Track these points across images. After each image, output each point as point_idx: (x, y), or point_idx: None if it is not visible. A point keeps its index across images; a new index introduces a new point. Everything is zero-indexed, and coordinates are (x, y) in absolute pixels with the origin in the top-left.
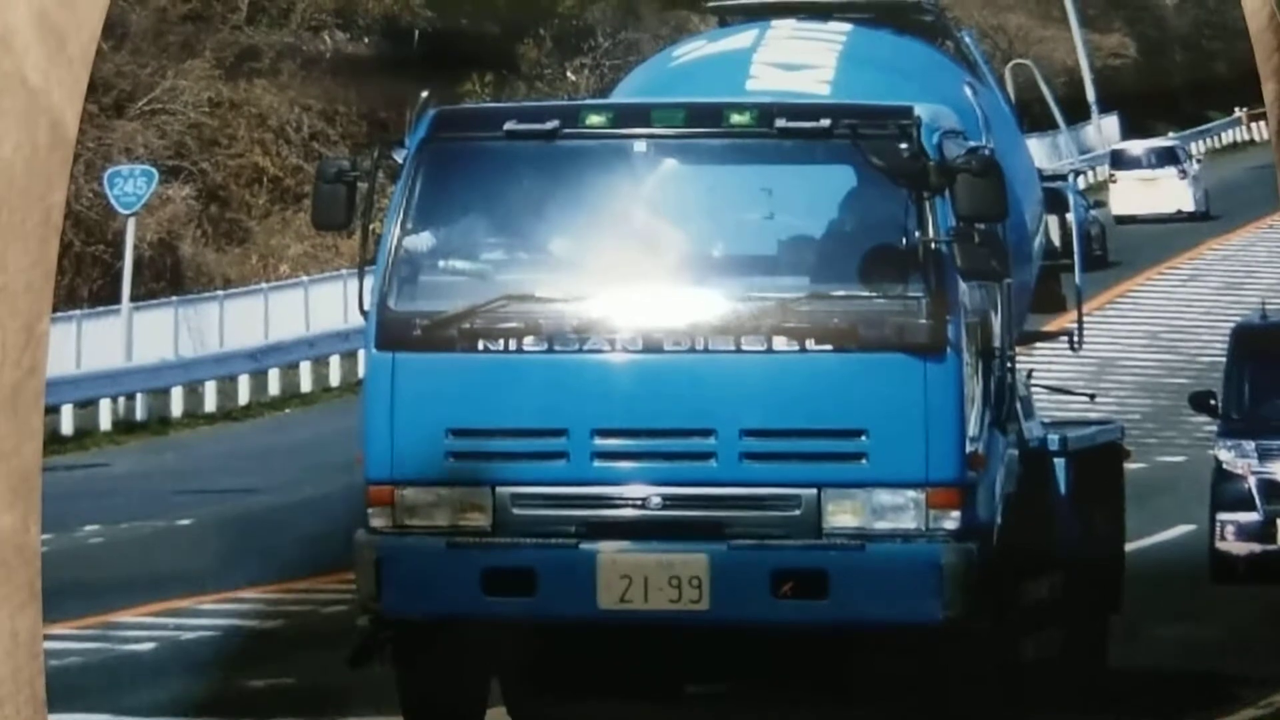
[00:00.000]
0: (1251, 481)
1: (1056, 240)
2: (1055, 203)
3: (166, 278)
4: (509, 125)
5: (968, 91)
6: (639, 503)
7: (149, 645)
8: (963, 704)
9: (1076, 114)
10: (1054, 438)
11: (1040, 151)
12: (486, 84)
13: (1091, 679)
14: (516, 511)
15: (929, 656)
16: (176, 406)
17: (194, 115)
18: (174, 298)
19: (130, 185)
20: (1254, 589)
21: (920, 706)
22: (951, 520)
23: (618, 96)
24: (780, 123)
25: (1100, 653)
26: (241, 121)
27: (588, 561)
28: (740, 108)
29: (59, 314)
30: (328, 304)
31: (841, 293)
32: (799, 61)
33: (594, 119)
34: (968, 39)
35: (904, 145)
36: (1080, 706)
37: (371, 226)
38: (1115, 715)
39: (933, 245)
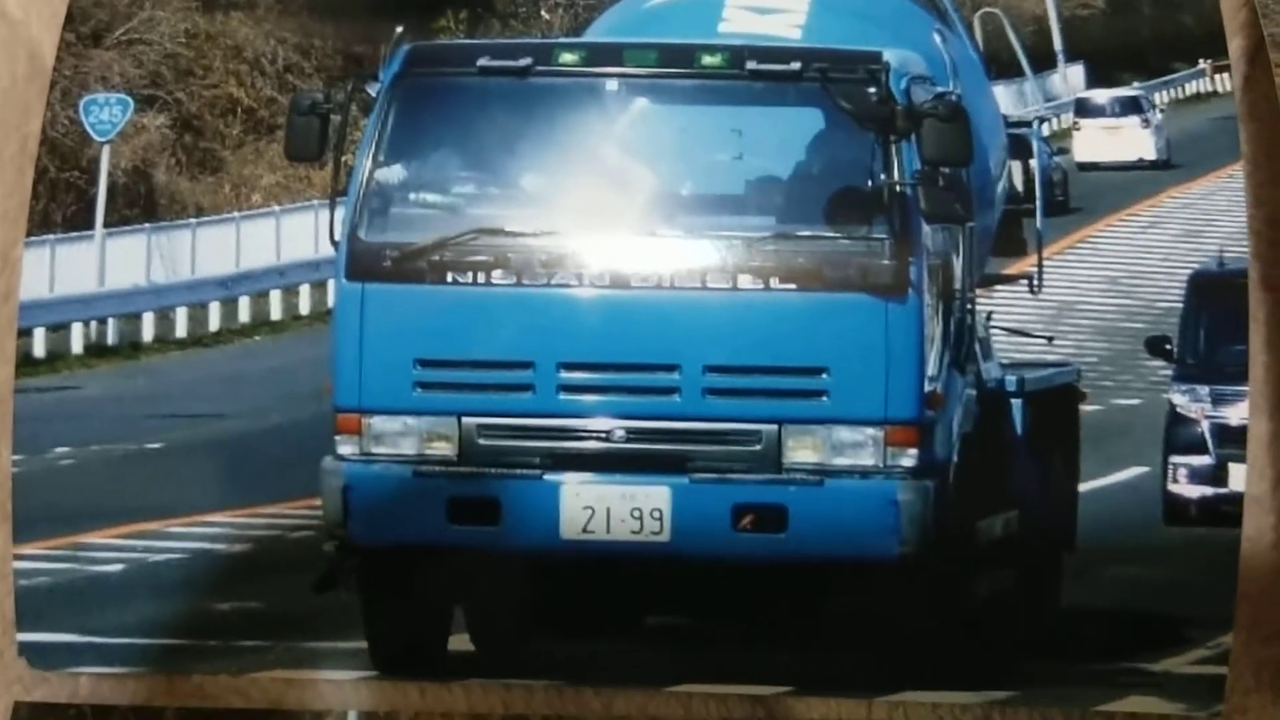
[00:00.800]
0: (1205, 425)
1: (1019, 185)
2: (1019, 149)
3: (140, 205)
4: (482, 62)
5: (936, 39)
6: (603, 435)
7: (117, 567)
8: (915, 640)
9: (1043, 62)
10: (1012, 379)
11: (1007, 98)
12: (461, 21)
13: (1043, 618)
14: (482, 442)
15: (884, 592)
16: (148, 331)
17: (170, 46)
18: (147, 224)
19: (106, 113)
20: (1205, 531)
21: (874, 641)
22: (909, 458)
23: (591, 36)
24: (751, 65)
25: (1053, 592)
26: (217, 53)
27: (551, 492)
28: (712, 49)
29: (32, 239)
30: (299, 234)
31: (807, 233)
32: (771, 6)
33: (567, 57)
34: None
35: (872, 90)
36: (1031, 644)
37: (344, 158)
38: (1065, 654)
39: (898, 188)
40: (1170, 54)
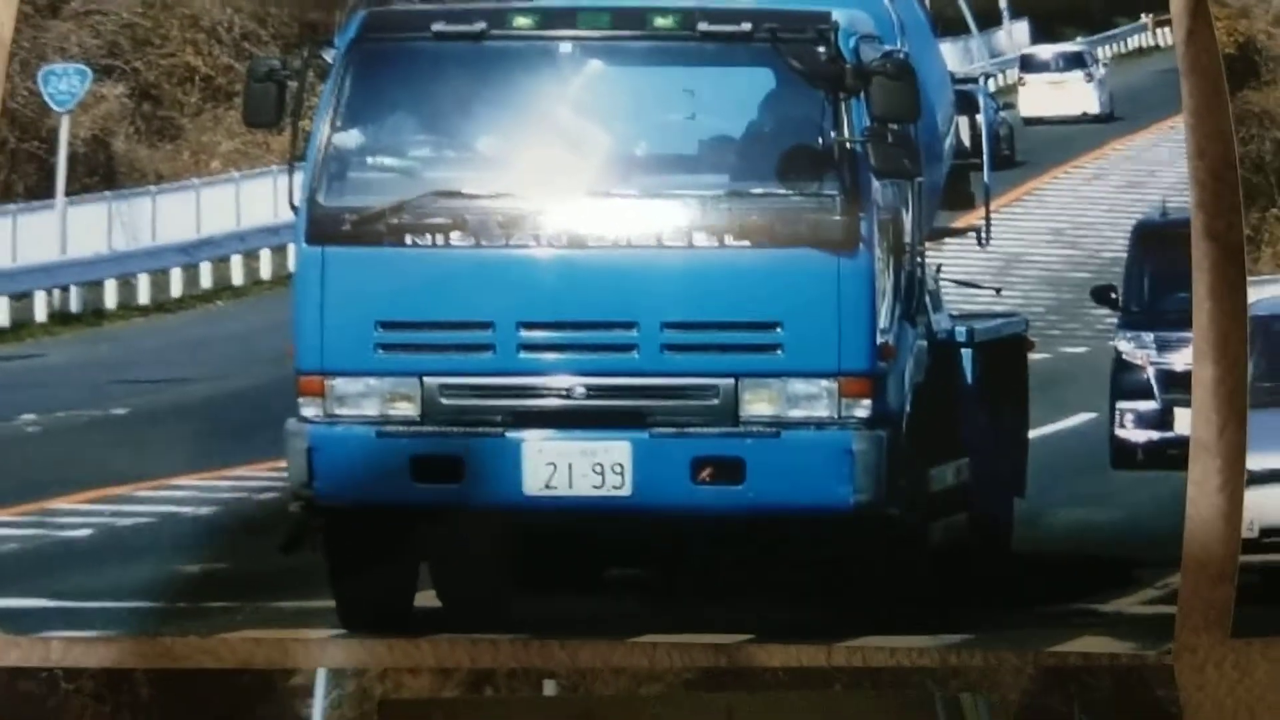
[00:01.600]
0: (1150, 371)
1: (967, 140)
2: (966, 104)
3: (100, 173)
4: (437, 26)
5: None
6: (563, 392)
7: (85, 532)
8: (872, 586)
9: (988, 20)
10: (961, 330)
11: (953, 55)
12: None
13: (995, 562)
14: (444, 401)
15: (840, 539)
16: (111, 298)
17: (127, 16)
18: (108, 193)
19: (64, 84)
20: (1152, 474)
21: (831, 588)
22: (863, 408)
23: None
24: (702, 26)
25: (1005, 536)
26: (174, 22)
27: (513, 449)
28: (663, 11)
29: None
30: (259, 199)
31: (759, 190)
32: None
33: (520, 21)
34: None
35: (821, 49)
36: (983, 588)
37: (301, 124)
38: (1018, 597)
39: (847, 145)
40: (1113, 9)
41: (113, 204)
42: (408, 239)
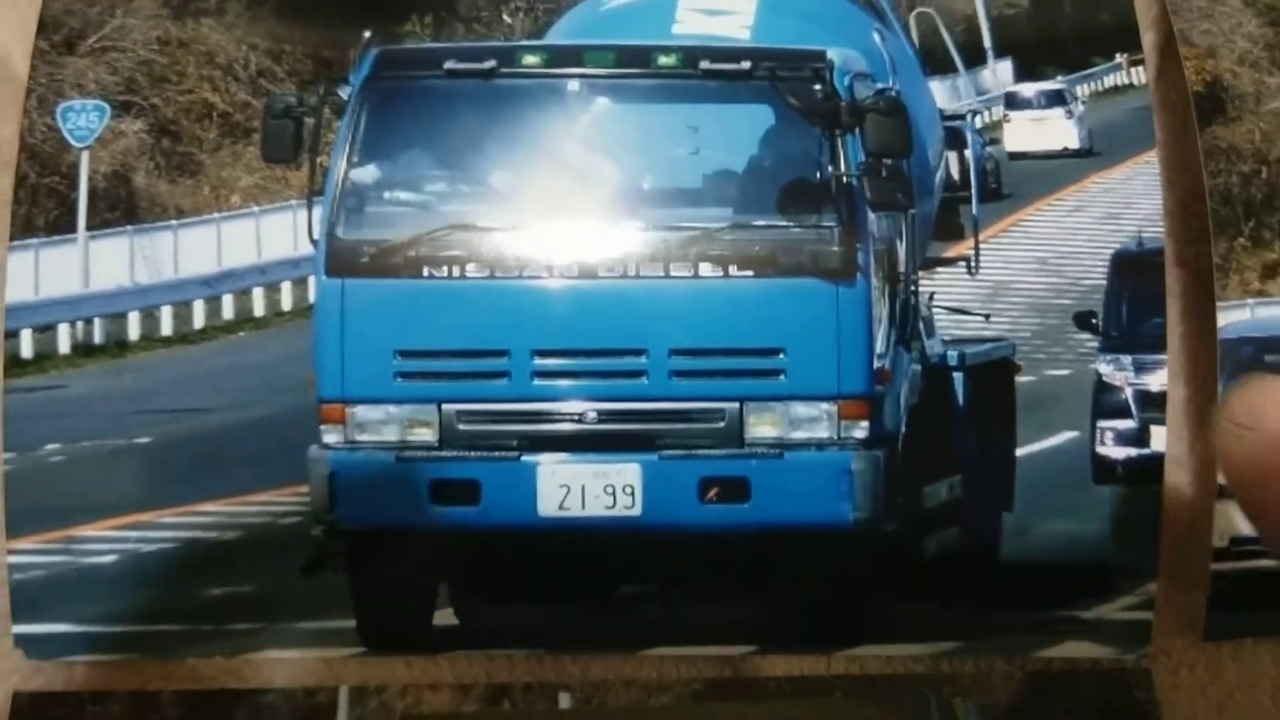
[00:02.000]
0: (1129, 392)
1: (956, 174)
2: (955, 140)
3: (121, 208)
4: (448, 64)
5: (876, 38)
6: (576, 417)
7: (110, 558)
8: (870, 597)
9: (974, 59)
10: (953, 354)
11: (941, 93)
12: (426, 25)
13: (985, 573)
14: (461, 427)
15: (840, 555)
16: (133, 330)
17: (143, 52)
18: (129, 227)
19: (83, 119)
20: (1130, 489)
21: (831, 600)
22: (861, 430)
23: (551, 38)
24: (704, 64)
25: (994, 548)
26: (190, 59)
27: (528, 472)
28: (667, 50)
29: (16, 243)
30: (279, 233)
31: (761, 223)
32: (721, 8)
33: (529, 59)
34: None
35: (818, 86)
36: (974, 597)
37: (319, 160)
38: (1006, 605)
39: (844, 179)
40: (1090, 49)
41: (134, 238)
42: (425, 271)
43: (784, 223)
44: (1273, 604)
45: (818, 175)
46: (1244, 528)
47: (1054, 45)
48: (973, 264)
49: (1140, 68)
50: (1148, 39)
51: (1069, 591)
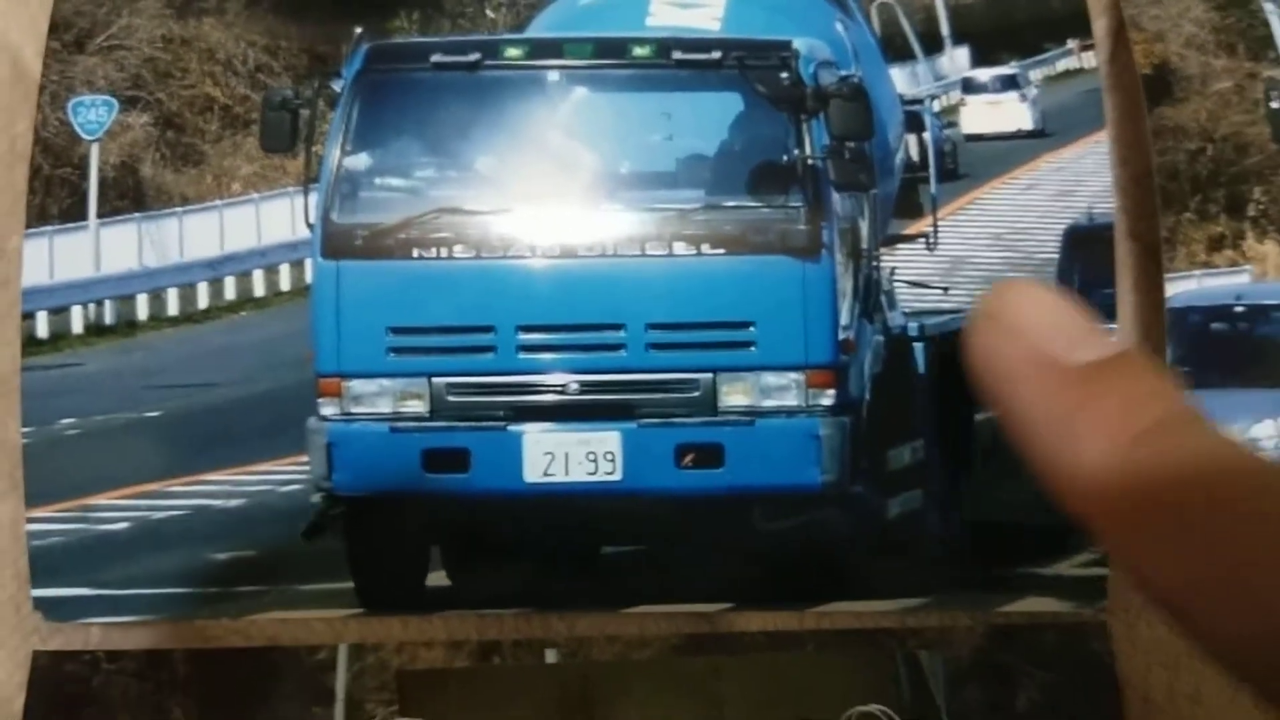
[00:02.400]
0: None
1: (915, 156)
2: (914, 123)
3: (130, 196)
4: (435, 58)
5: (839, 27)
6: (559, 389)
7: (123, 525)
8: (839, 556)
9: (932, 46)
10: (913, 325)
11: (901, 79)
12: (414, 20)
13: (948, 532)
14: (451, 399)
15: (810, 516)
16: (142, 311)
17: (149, 50)
18: (137, 214)
19: (93, 114)
20: None
21: (803, 559)
22: (828, 397)
23: (532, 32)
24: (677, 55)
25: (955, 509)
26: (192, 56)
27: (515, 441)
28: (641, 41)
29: (31, 231)
30: (277, 218)
31: (732, 203)
32: (692, 0)
33: (512, 52)
34: None
35: (784, 74)
36: (937, 555)
37: (314, 149)
38: (969, 563)
39: (810, 161)
40: (1043, 35)
41: (142, 225)
42: (415, 252)
43: (753, 203)
44: None
45: (784, 158)
46: None
47: (1009, 32)
48: (932, 240)
49: (1091, 52)
50: (1099, 24)
51: (1027, 548)
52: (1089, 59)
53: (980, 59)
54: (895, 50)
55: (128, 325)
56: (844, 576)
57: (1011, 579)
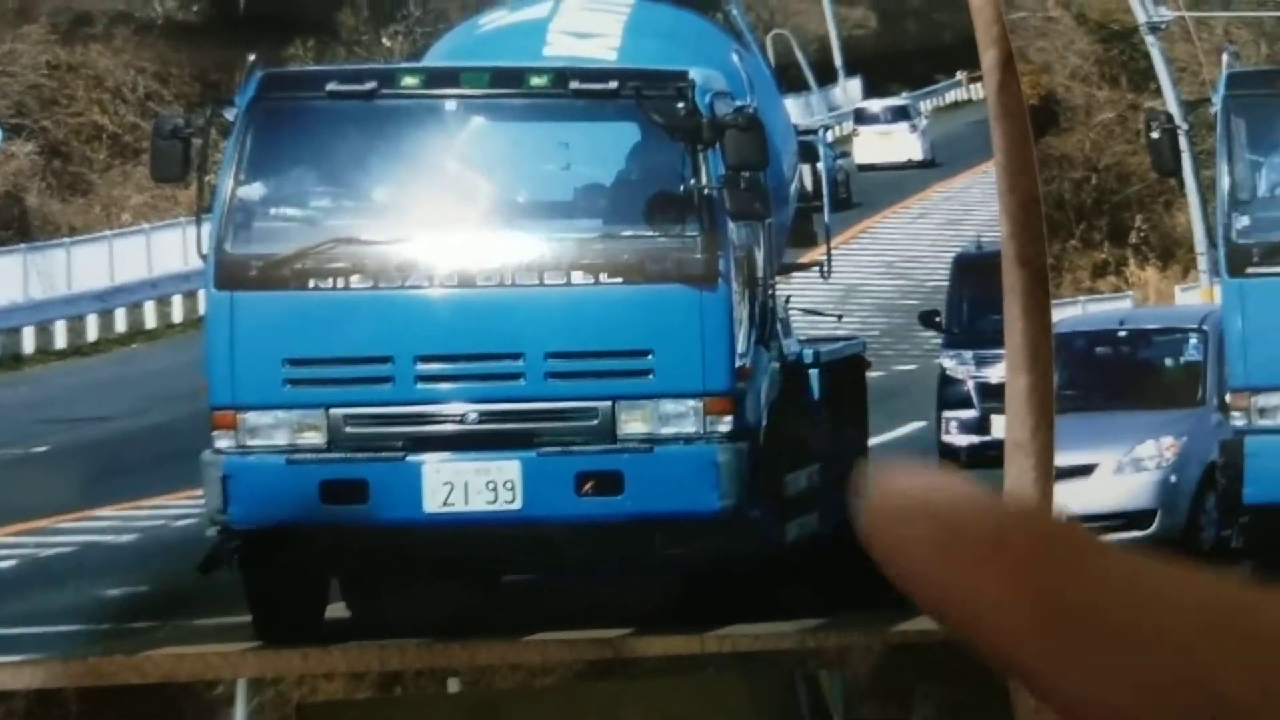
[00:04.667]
0: (970, 384)
1: (809, 185)
2: (808, 153)
3: (14, 227)
4: (330, 86)
5: (735, 58)
6: (458, 418)
7: (10, 563)
8: (738, 579)
9: (826, 77)
10: (808, 352)
11: (796, 109)
12: (309, 48)
13: (845, 554)
14: (349, 430)
15: (709, 540)
16: (29, 344)
17: (33, 77)
18: (22, 245)
19: None
20: (975, 472)
21: (703, 584)
22: (725, 424)
23: (429, 60)
24: (573, 84)
25: (852, 531)
26: (79, 82)
27: (414, 471)
28: (538, 71)
29: None
30: (169, 249)
31: (629, 233)
32: (589, 30)
33: (408, 80)
34: (735, 11)
35: (680, 104)
36: (833, 576)
37: (207, 178)
38: (866, 583)
39: (706, 191)
40: (933, 66)
41: (27, 255)
42: (311, 283)
43: (650, 233)
44: None
45: (681, 188)
46: (1081, 506)
47: (899, 63)
48: (825, 269)
49: (979, 84)
50: (988, 56)
51: None
52: (977, 90)
53: (873, 90)
54: (790, 81)
55: (13, 359)
56: (743, 599)
57: (908, 598)
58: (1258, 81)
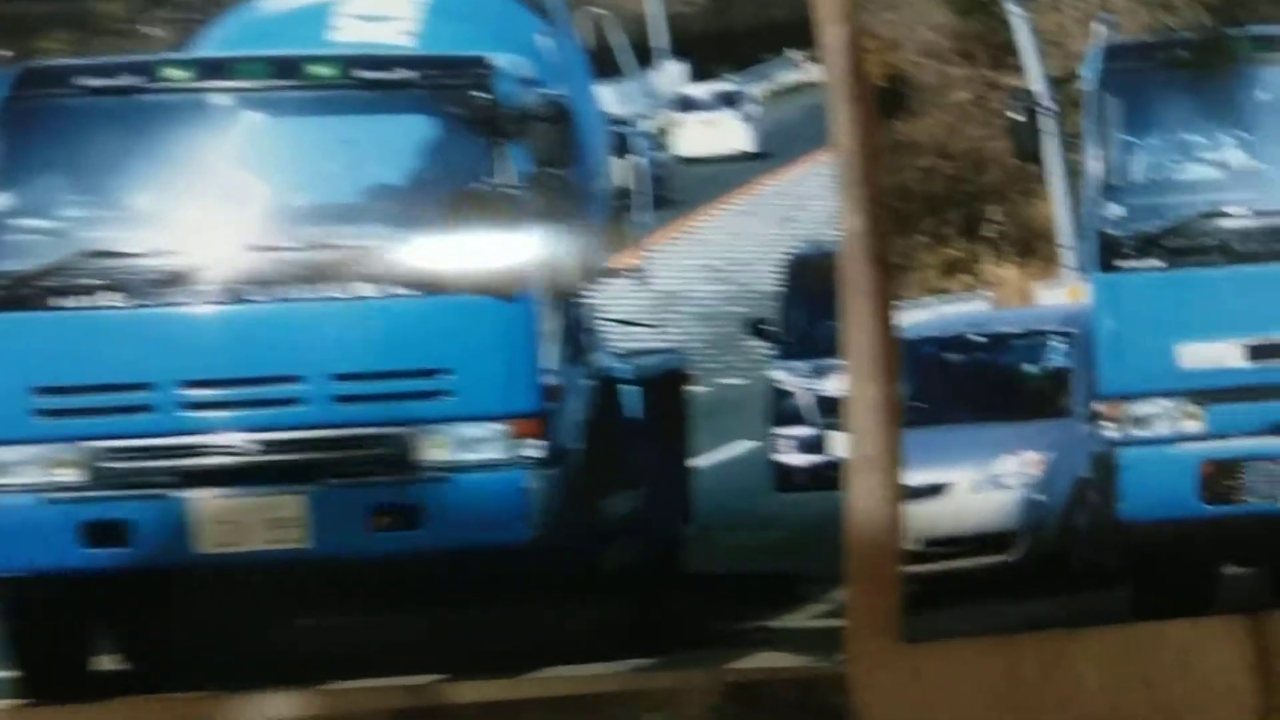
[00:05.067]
0: (806, 398)
1: (624, 181)
2: (623, 146)
3: None
4: (87, 81)
5: (543, 40)
6: (232, 450)
7: None
8: (554, 616)
9: (647, 60)
10: (626, 367)
11: (612, 97)
12: (67, 40)
13: (669, 586)
14: (109, 465)
15: (520, 574)
16: None
17: None
18: None
19: None
20: (811, 496)
21: (517, 622)
22: (533, 448)
23: (201, 49)
24: (360, 74)
25: (676, 559)
26: None
27: (184, 509)
28: (320, 59)
29: None
30: None
31: (423, 239)
32: (380, 13)
33: (175, 74)
34: None
35: (479, 95)
36: (660, 610)
37: None
38: (693, 616)
39: (508, 190)
40: (763, 45)
41: None
42: (61, 302)
43: (446, 238)
44: (969, 602)
45: (480, 187)
46: (936, 528)
47: (728, 44)
48: (642, 274)
49: (818, 65)
50: (832, 33)
51: (756, 600)
52: (816, 72)
53: (698, 73)
54: (606, 65)
55: None
56: (559, 637)
57: (744, 633)
58: (1137, 54)
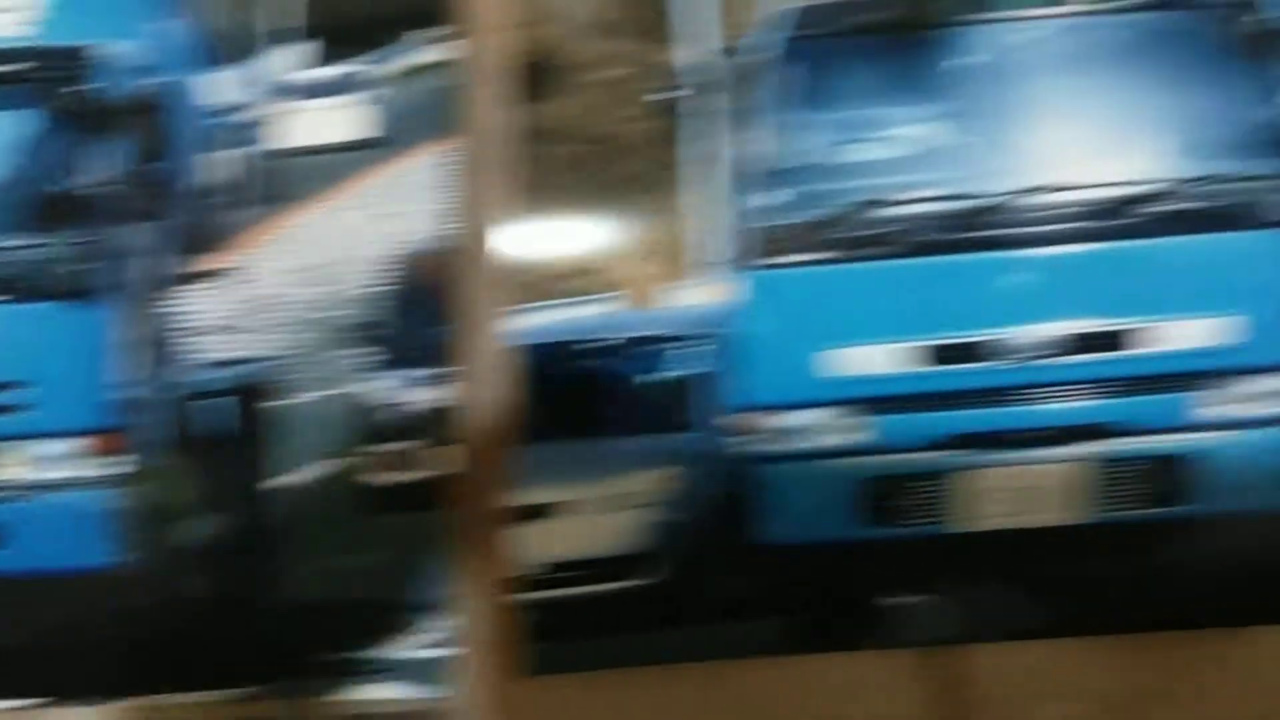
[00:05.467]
0: (396, 412)
1: (223, 176)
2: (222, 137)
3: None
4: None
5: (158, 27)
6: None
7: None
8: (150, 645)
9: (281, 43)
10: (215, 378)
11: (230, 84)
12: None
13: (259, 612)
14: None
15: (101, 599)
16: None
17: None
18: None
19: None
20: (411, 517)
21: (111, 651)
22: (114, 465)
23: None
24: None
25: (266, 585)
26: None
27: None
28: None
29: None
30: None
31: (6, 244)
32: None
33: None
34: None
35: (74, 87)
36: (254, 638)
37: None
38: (301, 647)
39: (96, 188)
40: (404, 25)
41: None
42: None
43: (16, 243)
44: (609, 632)
45: (61, 186)
46: (559, 551)
47: (353, 25)
48: (238, 276)
49: (447, 45)
50: (467, 9)
51: (353, 628)
52: (445, 51)
53: (331, 56)
54: (238, 49)
55: None
56: (162, 665)
57: (348, 664)
58: (821, 18)
